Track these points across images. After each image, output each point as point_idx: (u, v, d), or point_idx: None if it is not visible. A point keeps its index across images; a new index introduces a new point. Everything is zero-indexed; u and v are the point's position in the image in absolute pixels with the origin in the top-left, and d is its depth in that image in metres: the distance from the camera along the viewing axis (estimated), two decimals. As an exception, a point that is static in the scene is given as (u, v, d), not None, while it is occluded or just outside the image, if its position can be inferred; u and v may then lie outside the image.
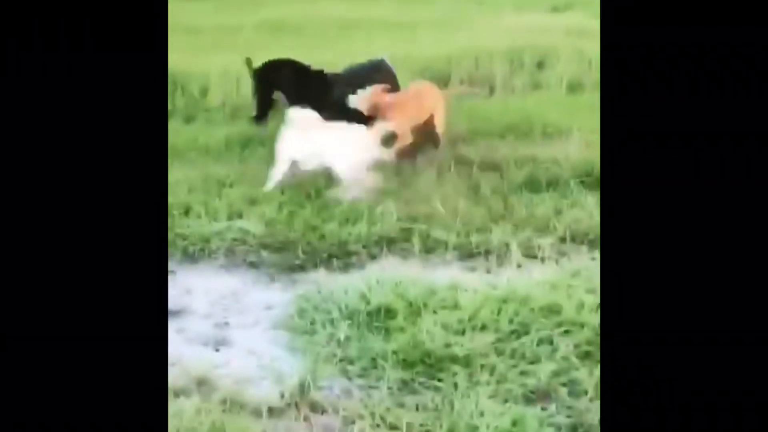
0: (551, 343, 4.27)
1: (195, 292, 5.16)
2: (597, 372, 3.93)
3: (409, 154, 7.04)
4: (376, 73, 7.61)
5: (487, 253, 5.57)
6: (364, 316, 4.58)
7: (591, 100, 7.87)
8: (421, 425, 3.71)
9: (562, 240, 5.69)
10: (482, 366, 4.10)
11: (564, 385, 3.98)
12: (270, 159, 7.08)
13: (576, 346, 4.20)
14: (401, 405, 3.88)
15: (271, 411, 3.86)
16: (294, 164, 6.58)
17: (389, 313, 4.58)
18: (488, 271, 5.32)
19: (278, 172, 6.58)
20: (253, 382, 4.14)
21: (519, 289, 4.75)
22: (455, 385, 3.98)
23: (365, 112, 7.04)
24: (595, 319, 4.32)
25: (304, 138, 6.56)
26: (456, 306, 4.61)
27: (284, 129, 6.74)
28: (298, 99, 7.21)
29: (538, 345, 4.26)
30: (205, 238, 5.77)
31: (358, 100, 7.16)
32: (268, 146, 7.59)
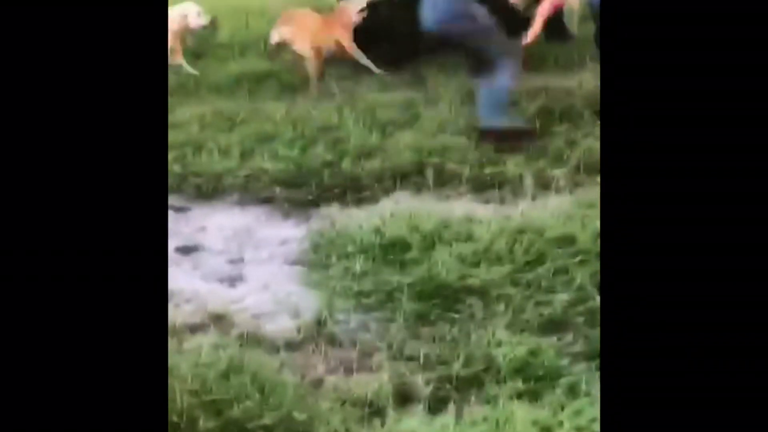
0: (567, 273, 4.26)
1: (209, 229, 5.16)
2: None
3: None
4: None
5: (501, 184, 5.54)
6: (379, 250, 4.57)
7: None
8: (438, 356, 3.72)
9: (576, 170, 5.65)
10: (498, 297, 4.10)
11: (580, 314, 3.97)
12: (280, 96, 7.11)
13: (592, 275, 4.18)
14: (417, 337, 3.89)
15: (288, 345, 3.88)
16: None
17: (404, 246, 4.57)
18: (502, 203, 5.30)
19: None
20: (269, 317, 4.15)
21: (534, 220, 4.73)
22: (471, 316, 3.98)
23: None
24: (610, 248, 4.30)
25: None
26: (470, 238, 4.60)
27: None
28: None
29: (553, 275, 4.25)
30: (218, 175, 5.76)
31: None
32: (279, 81, 7.58)
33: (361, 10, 7.74)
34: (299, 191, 5.59)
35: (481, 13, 6.02)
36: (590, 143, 5.96)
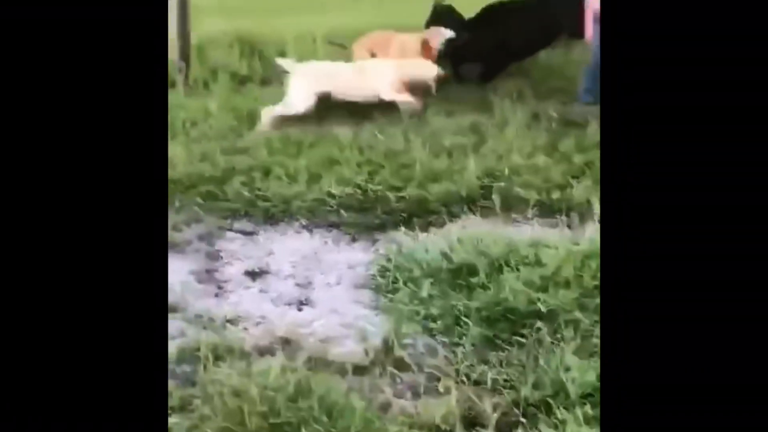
0: (635, 298, 4.21)
1: (277, 253, 5.20)
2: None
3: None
4: None
5: (569, 209, 5.52)
6: (446, 274, 4.57)
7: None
8: (506, 380, 3.71)
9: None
10: (566, 322, 4.07)
11: (648, 339, 3.93)
12: (347, 120, 7.16)
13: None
14: (485, 361, 3.88)
15: (356, 369, 3.89)
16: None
17: (471, 270, 4.57)
18: (569, 227, 5.27)
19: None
20: (337, 341, 4.17)
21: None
22: (539, 341, 3.96)
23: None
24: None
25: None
26: (538, 262, 4.58)
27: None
28: None
29: (622, 300, 4.21)
30: (286, 199, 5.80)
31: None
32: (346, 107, 7.63)
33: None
34: (366, 216, 5.62)
35: None
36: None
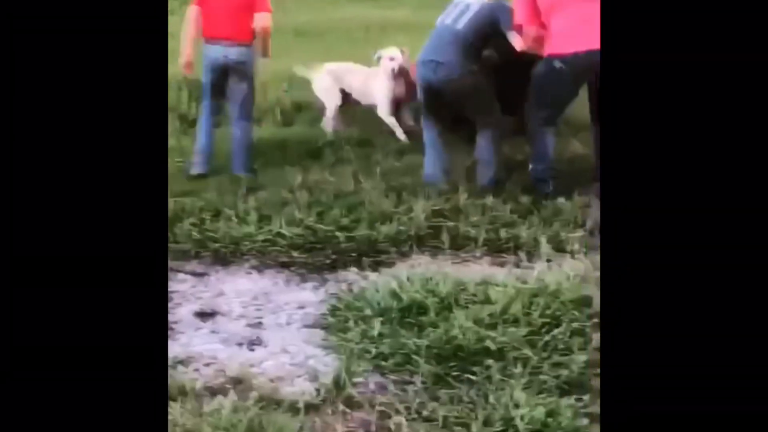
0: (583, 334, 4.28)
1: (228, 294, 5.20)
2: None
3: None
4: None
5: (517, 248, 5.60)
6: (397, 313, 4.61)
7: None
8: (457, 418, 3.74)
9: (591, 233, 5.70)
10: (515, 359, 4.12)
11: (597, 375, 3.98)
12: (296, 159, 7.22)
13: (608, 337, 4.20)
14: (436, 399, 3.91)
15: (308, 407, 3.90)
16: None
17: (421, 309, 4.61)
18: (518, 266, 5.34)
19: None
20: (288, 380, 4.17)
21: (549, 283, 4.77)
22: (489, 378, 4.00)
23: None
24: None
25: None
26: (487, 300, 4.64)
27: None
28: None
29: (570, 337, 4.28)
30: (236, 240, 5.81)
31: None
32: (294, 149, 7.69)
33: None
34: (316, 256, 5.64)
35: None
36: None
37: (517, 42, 6.56)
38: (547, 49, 6.35)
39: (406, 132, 7.98)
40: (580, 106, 6.78)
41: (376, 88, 8.16)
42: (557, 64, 6.22)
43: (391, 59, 8.04)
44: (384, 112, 8.08)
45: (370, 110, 8.44)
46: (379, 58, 8.13)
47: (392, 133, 8.00)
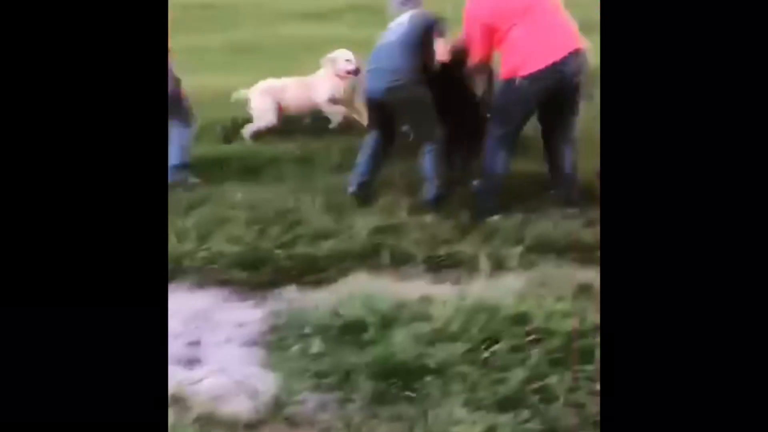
0: (522, 350, 4.31)
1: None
2: (568, 378, 4.00)
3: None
4: None
5: (456, 264, 5.62)
6: (337, 331, 4.61)
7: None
8: (397, 435, 3.75)
9: (530, 249, 5.74)
10: (454, 375, 4.13)
11: (536, 392, 4.02)
12: (243, 177, 7.20)
13: (547, 353, 4.24)
14: (375, 416, 3.91)
15: (247, 426, 3.88)
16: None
17: (361, 326, 4.61)
18: (457, 282, 5.36)
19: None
20: (227, 399, 4.15)
21: (489, 299, 4.79)
22: (428, 395, 4.01)
23: None
24: (565, 326, 4.38)
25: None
26: (427, 317, 4.65)
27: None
28: None
29: (509, 353, 4.30)
30: (176, 258, 5.76)
31: None
32: (235, 166, 7.66)
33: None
34: (256, 274, 5.62)
35: None
36: (543, 223, 6.08)
37: (441, 51, 6.62)
38: (507, 69, 6.36)
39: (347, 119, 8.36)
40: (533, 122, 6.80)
41: (318, 85, 8.39)
42: (517, 81, 6.25)
43: (347, 60, 8.32)
44: (325, 102, 8.37)
45: (310, 127, 8.48)
46: (330, 61, 8.33)
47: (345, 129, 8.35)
